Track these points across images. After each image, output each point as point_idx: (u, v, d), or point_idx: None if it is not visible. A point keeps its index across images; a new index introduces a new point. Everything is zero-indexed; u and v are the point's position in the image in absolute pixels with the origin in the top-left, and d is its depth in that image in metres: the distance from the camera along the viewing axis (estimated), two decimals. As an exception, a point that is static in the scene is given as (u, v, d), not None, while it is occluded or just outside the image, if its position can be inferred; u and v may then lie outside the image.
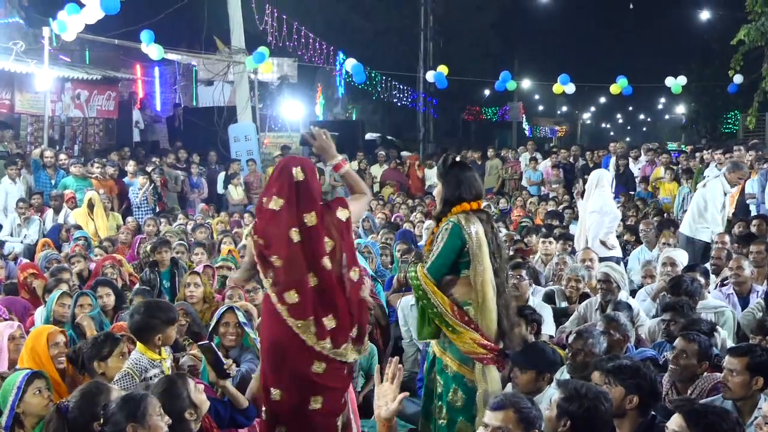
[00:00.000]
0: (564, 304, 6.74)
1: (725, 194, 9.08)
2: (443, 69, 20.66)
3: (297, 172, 4.05)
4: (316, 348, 4.03)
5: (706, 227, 8.92)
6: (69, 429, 3.59)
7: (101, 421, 3.54)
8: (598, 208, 8.61)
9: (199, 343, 4.67)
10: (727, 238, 8.05)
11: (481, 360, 4.21)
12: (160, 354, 4.33)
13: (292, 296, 4.00)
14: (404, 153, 18.82)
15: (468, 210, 4.31)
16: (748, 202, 10.83)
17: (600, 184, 8.80)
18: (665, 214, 11.69)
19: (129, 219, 11.45)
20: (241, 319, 5.39)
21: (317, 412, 4.11)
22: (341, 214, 4.13)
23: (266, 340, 4.19)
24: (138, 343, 4.34)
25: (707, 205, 8.98)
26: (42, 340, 4.75)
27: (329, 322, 4.04)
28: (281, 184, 4.10)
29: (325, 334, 4.03)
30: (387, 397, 3.31)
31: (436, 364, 4.42)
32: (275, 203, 4.10)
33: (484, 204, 4.56)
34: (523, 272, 6.41)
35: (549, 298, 6.80)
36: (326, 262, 4.02)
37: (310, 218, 4.01)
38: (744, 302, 6.45)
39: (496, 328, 4.26)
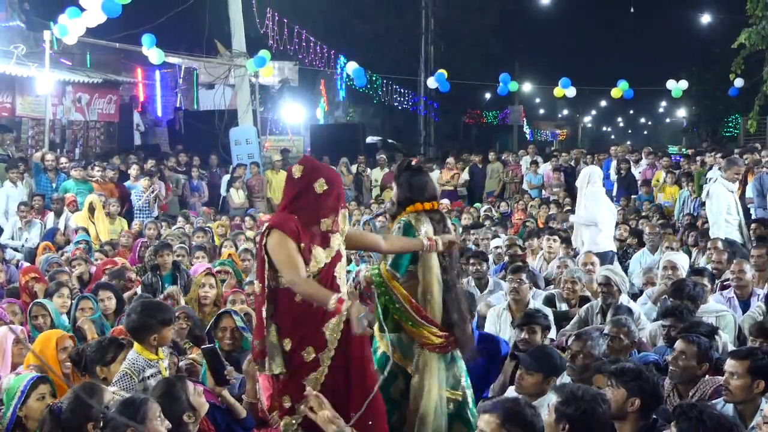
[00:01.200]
0: (564, 307, 6.74)
1: (731, 192, 8.97)
2: (443, 72, 20.70)
3: (296, 170, 4.10)
4: None
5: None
6: (63, 430, 3.59)
7: (95, 422, 3.55)
8: (595, 206, 8.59)
9: (203, 347, 4.67)
10: (720, 244, 8.00)
11: (434, 349, 4.45)
12: (156, 354, 4.33)
13: None
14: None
15: (420, 210, 4.57)
16: (748, 206, 10.81)
17: (591, 181, 8.79)
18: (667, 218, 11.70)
19: (136, 222, 11.51)
20: (239, 323, 5.38)
21: None
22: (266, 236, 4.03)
23: None
24: (135, 343, 4.35)
25: (714, 214, 8.94)
26: (51, 344, 4.75)
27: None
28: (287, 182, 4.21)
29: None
30: (332, 426, 3.52)
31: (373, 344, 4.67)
32: None
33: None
34: (524, 276, 6.41)
35: (549, 301, 6.80)
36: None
37: None
38: (745, 305, 6.44)
39: (440, 322, 4.52)
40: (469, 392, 4.68)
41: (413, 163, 4.85)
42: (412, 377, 4.49)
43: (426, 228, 4.50)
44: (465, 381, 4.66)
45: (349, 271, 4.65)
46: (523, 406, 3.35)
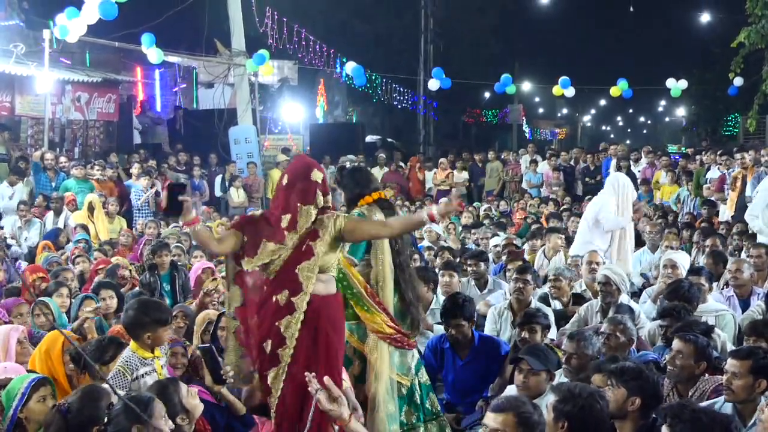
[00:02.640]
0: (557, 305, 6.76)
1: None
2: (441, 69, 20.73)
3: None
4: None
5: None
6: (68, 430, 3.59)
7: (101, 424, 3.54)
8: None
9: (200, 346, 4.67)
10: (717, 241, 7.98)
11: (385, 339, 4.56)
12: (152, 352, 4.30)
13: None
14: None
15: (371, 202, 4.79)
16: (748, 204, 10.81)
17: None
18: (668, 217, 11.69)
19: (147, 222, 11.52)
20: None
21: None
22: None
23: None
24: (131, 341, 4.33)
25: (753, 205, 8.79)
26: (58, 344, 4.72)
27: None
28: None
29: None
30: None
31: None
32: None
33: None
34: (529, 277, 6.41)
35: (543, 300, 6.80)
36: None
37: None
38: (744, 305, 6.45)
39: (391, 303, 4.70)
40: (422, 379, 4.82)
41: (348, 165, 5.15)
42: (368, 360, 4.63)
43: (378, 217, 4.71)
44: (414, 369, 4.80)
45: None
46: (533, 406, 3.38)
